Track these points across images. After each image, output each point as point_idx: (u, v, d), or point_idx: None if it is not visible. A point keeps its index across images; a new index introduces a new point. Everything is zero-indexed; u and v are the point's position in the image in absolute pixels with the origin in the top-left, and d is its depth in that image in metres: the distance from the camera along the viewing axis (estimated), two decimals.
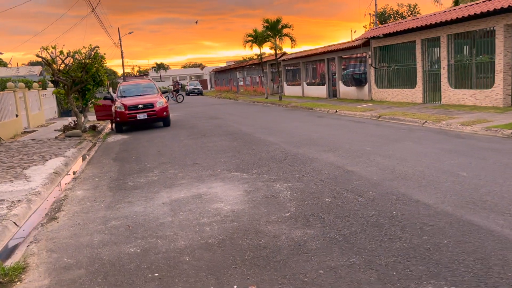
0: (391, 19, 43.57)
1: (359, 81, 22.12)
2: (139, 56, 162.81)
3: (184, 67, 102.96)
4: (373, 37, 20.00)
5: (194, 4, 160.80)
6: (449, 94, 15.64)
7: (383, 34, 19.06)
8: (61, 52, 13.98)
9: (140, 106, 15.30)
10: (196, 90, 52.62)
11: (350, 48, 22.35)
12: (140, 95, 16.55)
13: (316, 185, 6.06)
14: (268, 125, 14.10)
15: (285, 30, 26.67)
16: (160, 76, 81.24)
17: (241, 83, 48.19)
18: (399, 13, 43.09)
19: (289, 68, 34.62)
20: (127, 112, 15.18)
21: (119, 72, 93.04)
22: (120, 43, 55.08)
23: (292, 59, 30.43)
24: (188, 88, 53.76)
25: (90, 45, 14.65)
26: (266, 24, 26.67)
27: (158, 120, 15.84)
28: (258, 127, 13.69)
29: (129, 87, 17.26)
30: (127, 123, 15.44)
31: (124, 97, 16.37)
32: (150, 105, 15.41)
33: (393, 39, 18.77)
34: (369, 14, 46.74)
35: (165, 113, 15.68)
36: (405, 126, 12.08)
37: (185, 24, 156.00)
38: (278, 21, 26.44)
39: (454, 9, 15.30)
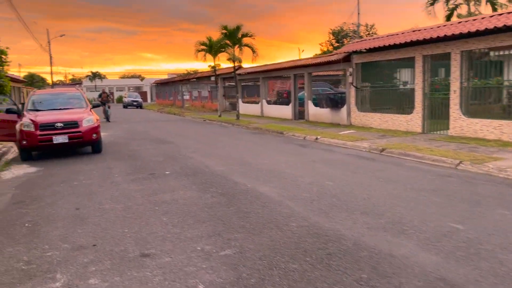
0: (348, 38, 41.78)
1: (334, 102, 18.90)
2: (74, 64, 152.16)
3: (122, 78, 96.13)
4: (355, 52, 16.91)
5: (135, 14, 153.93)
6: (461, 123, 12.69)
7: (366, 49, 16.01)
8: None
9: (59, 125, 10.72)
10: (135, 103, 47.38)
11: (324, 63, 19.13)
12: (60, 108, 11.93)
13: None
14: (244, 158, 10.16)
15: (245, 40, 23.02)
16: (95, 86, 74.34)
17: (186, 97, 43.84)
18: (356, 32, 41.38)
19: (245, 83, 30.99)
20: (38, 132, 10.54)
21: (50, 79, 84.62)
22: (49, 47, 48.65)
23: (251, 73, 26.81)
24: (126, 100, 48.38)
25: None
26: (224, 31, 22.86)
27: (84, 144, 11.34)
28: (231, 162, 9.71)
29: (45, 97, 12.53)
30: (38, 148, 10.78)
31: (37, 110, 11.68)
32: (73, 124, 10.89)
33: (383, 55, 15.74)
34: (331, 30, 44.41)
35: (94, 135, 11.22)
36: (435, 168, 8.71)
37: (124, 34, 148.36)
38: (238, 28, 22.75)
39: (475, 19, 12.47)
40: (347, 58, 17.66)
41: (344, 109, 18.25)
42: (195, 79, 39.33)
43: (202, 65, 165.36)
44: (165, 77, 69.49)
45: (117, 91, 75.81)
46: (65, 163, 10.30)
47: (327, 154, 10.87)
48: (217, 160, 10.06)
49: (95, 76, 77.12)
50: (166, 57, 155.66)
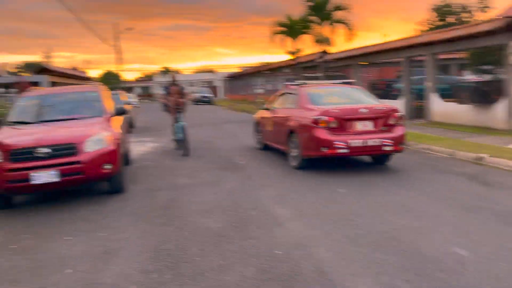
0: (455, 15, 33.95)
1: (484, 94, 12.60)
2: (153, 62, 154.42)
3: (196, 73, 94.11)
4: None
5: (209, 11, 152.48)
6: None
7: None
8: None
9: (42, 150, 6.00)
10: (205, 99, 43.56)
11: (462, 38, 12.87)
12: (59, 119, 7.19)
13: None
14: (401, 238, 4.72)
15: (338, 14, 17.28)
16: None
17: (259, 91, 39.01)
18: (465, 8, 33.48)
19: (330, 72, 25.24)
20: (6, 165, 5.91)
21: (126, 78, 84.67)
22: (118, 43, 46.27)
23: (341, 59, 20.94)
24: (195, 95, 44.71)
25: None
26: (309, 3, 17.30)
27: (88, 182, 6.59)
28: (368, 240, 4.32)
29: (39, 102, 7.74)
30: (8, 192, 6.18)
31: (23, 123, 7.12)
32: (67, 148, 6.13)
33: None
34: (433, 6, 36.53)
35: (107, 166, 6.34)
36: None
37: (199, 30, 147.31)
38: None
39: None
40: (509, 27, 11.33)
41: (500, 106, 11.94)
42: (268, 71, 34.31)
43: (275, 57, 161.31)
44: (237, 71, 65.42)
45: (188, 86, 73.30)
46: (49, 217, 5.57)
47: None
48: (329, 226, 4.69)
49: (167, 71, 75.25)
50: (238, 52, 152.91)
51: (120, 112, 7.87)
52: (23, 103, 7.70)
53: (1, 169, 5.90)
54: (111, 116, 7.52)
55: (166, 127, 15.60)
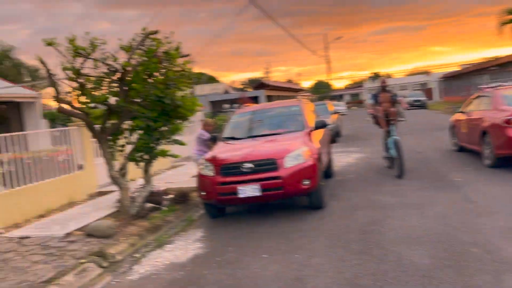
0: None
1: None
2: (362, 68, 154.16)
3: (408, 76, 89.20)
4: None
5: (422, 9, 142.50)
6: None
7: None
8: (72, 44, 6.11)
9: (247, 166, 6.30)
10: (417, 103, 40.45)
11: None
12: (264, 134, 7.49)
13: None
14: None
15: None
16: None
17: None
18: None
19: None
20: (217, 179, 6.43)
21: (335, 86, 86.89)
22: (327, 53, 47.65)
23: None
24: (407, 100, 42.03)
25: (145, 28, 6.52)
26: None
27: (286, 197, 6.60)
28: None
29: (248, 117, 8.28)
30: (220, 203, 6.70)
31: (234, 139, 7.72)
32: (268, 164, 6.28)
33: None
34: None
35: (306, 182, 6.25)
36: None
37: (411, 31, 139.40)
38: None
39: None
40: None
41: None
42: (495, 67, 29.46)
43: (503, 51, 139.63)
44: (456, 70, 58.73)
45: (399, 90, 69.82)
46: (269, 226, 5.79)
47: None
48: None
49: (377, 76, 73.62)
50: (456, 49, 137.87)
51: (320, 125, 7.72)
52: (235, 120, 8.37)
53: (214, 182, 6.45)
54: (311, 130, 7.45)
55: (373, 136, 14.88)
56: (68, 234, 6.34)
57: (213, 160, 6.66)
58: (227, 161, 6.58)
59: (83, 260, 5.30)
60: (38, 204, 7.86)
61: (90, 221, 6.76)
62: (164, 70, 6.70)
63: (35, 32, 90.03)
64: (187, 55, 7.23)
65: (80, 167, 9.51)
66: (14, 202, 7.35)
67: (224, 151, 7.08)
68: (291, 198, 6.89)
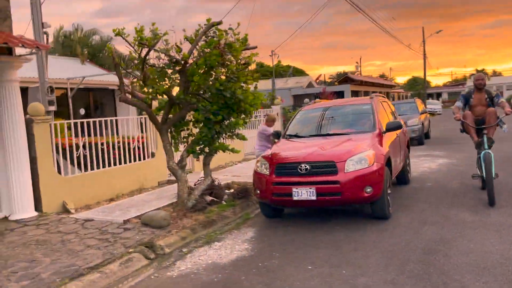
0: None
1: None
2: (466, 64, 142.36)
3: None
4: None
5: None
6: None
7: None
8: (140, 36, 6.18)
9: (304, 166, 5.90)
10: None
11: None
12: (329, 134, 7.02)
13: None
14: None
15: None
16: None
17: None
18: None
19: None
20: (272, 178, 6.13)
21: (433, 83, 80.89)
22: (424, 45, 44.40)
23: None
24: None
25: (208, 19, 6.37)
26: None
27: (344, 203, 6.09)
28: None
29: (314, 115, 7.76)
30: (273, 203, 6.38)
31: (298, 137, 7.34)
32: (327, 166, 5.80)
33: None
34: None
35: (368, 189, 5.69)
36: None
37: None
38: None
39: None
40: None
41: None
42: None
43: None
44: None
45: (507, 90, 62.83)
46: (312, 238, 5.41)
47: None
48: None
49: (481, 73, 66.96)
50: None
51: (393, 127, 7.00)
52: (301, 117, 7.96)
53: (268, 181, 6.16)
54: (383, 132, 6.79)
55: (467, 140, 13.45)
56: (126, 221, 6.51)
57: (269, 158, 6.36)
58: (283, 160, 6.25)
59: (131, 250, 5.38)
60: (111, 187, 8.26)
61: (150, 210, 6.90)
62: (226, 63, 6.52)
63: (142, 24, 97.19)
64: (254, 47, 7.01)
65: (153, 155, 9.83)
66: (87, 185, 7.79)
67: (283, 149, 6.74)
68: (353, 205, 6.35)
